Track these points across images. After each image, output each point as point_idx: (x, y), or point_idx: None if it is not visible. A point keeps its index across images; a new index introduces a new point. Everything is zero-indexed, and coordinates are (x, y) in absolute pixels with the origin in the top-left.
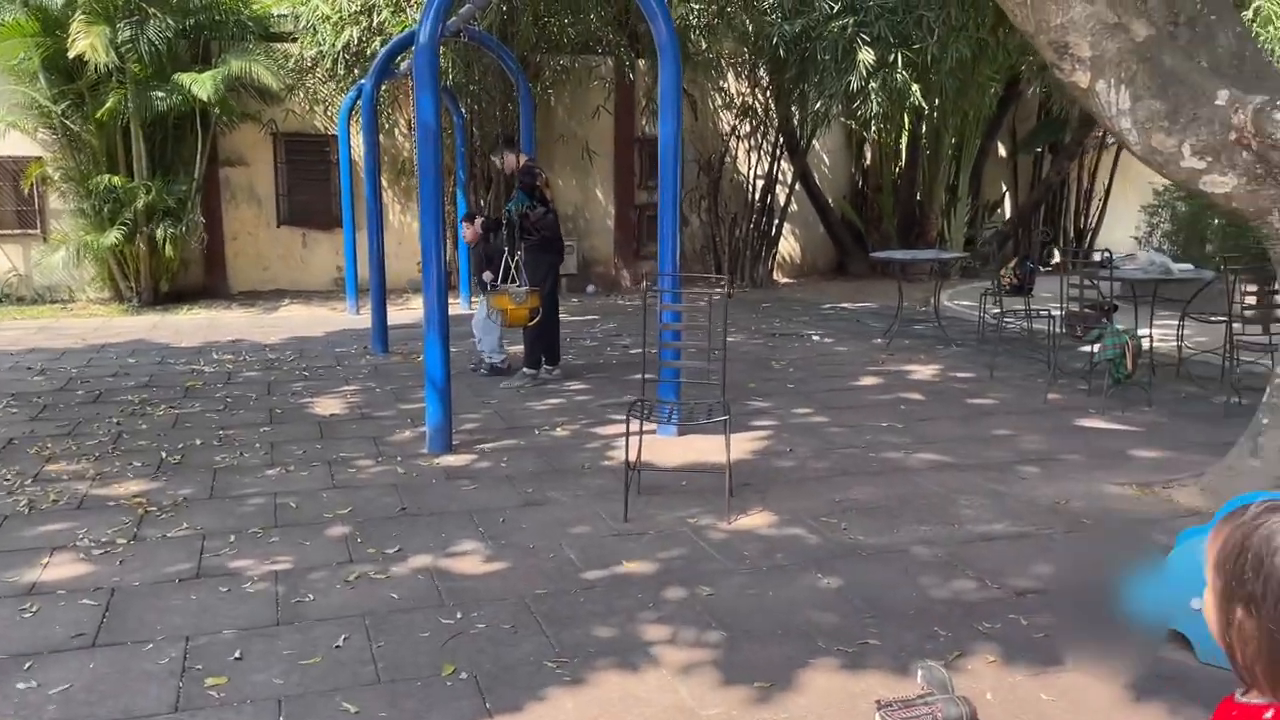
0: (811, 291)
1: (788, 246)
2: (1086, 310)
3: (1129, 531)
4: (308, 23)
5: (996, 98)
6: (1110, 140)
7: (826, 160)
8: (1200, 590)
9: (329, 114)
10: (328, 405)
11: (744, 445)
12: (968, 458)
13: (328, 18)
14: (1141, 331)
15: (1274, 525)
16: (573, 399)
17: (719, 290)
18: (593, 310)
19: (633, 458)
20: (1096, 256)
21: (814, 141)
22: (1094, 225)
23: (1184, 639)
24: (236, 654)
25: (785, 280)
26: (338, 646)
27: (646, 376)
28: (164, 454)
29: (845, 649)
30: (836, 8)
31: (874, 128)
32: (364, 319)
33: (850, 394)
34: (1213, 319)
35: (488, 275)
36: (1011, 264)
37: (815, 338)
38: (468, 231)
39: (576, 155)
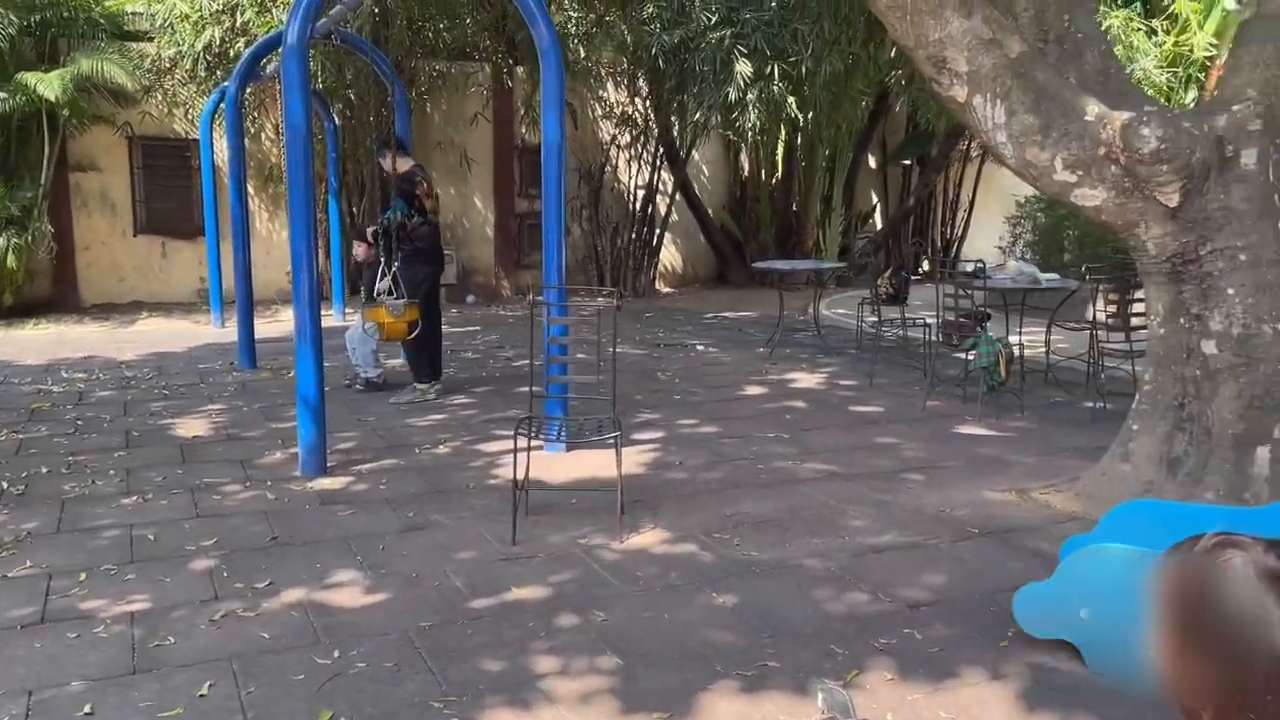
0: (693, 301)
1: (669, 256)
2: (962, 319)
3: (1012, 538)
4: (165, 21)
5: (867, 111)
6: (974, 153)
7: (706, 170)
8: (1088, 600)
9: (190, 117)
10: (190, 426)
11: (633, 459)
12: (854, 467)
13: (186, 16)
14: (1012, 339)
15: (1231, 562)
16: (455, 415)
17: (605, 300)
18: (473, 321)
19: (520, 476)
20: (969, 266)
21: (693, 152)
22: (960, 235)
23: (1074, 649)
24: (87, 708)
25: (667, 290)
26: (202, 695)
27: (533, 390)
28: (4, 484)
29: (744, 672)
30: (714, 20)
31: (750, 139)
32: (230, 332)
33: (737, 404)
34: (1077, 326)
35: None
36: (887, 274)
37: (700, 348)
38: (361, 250)
39: (454, 163)
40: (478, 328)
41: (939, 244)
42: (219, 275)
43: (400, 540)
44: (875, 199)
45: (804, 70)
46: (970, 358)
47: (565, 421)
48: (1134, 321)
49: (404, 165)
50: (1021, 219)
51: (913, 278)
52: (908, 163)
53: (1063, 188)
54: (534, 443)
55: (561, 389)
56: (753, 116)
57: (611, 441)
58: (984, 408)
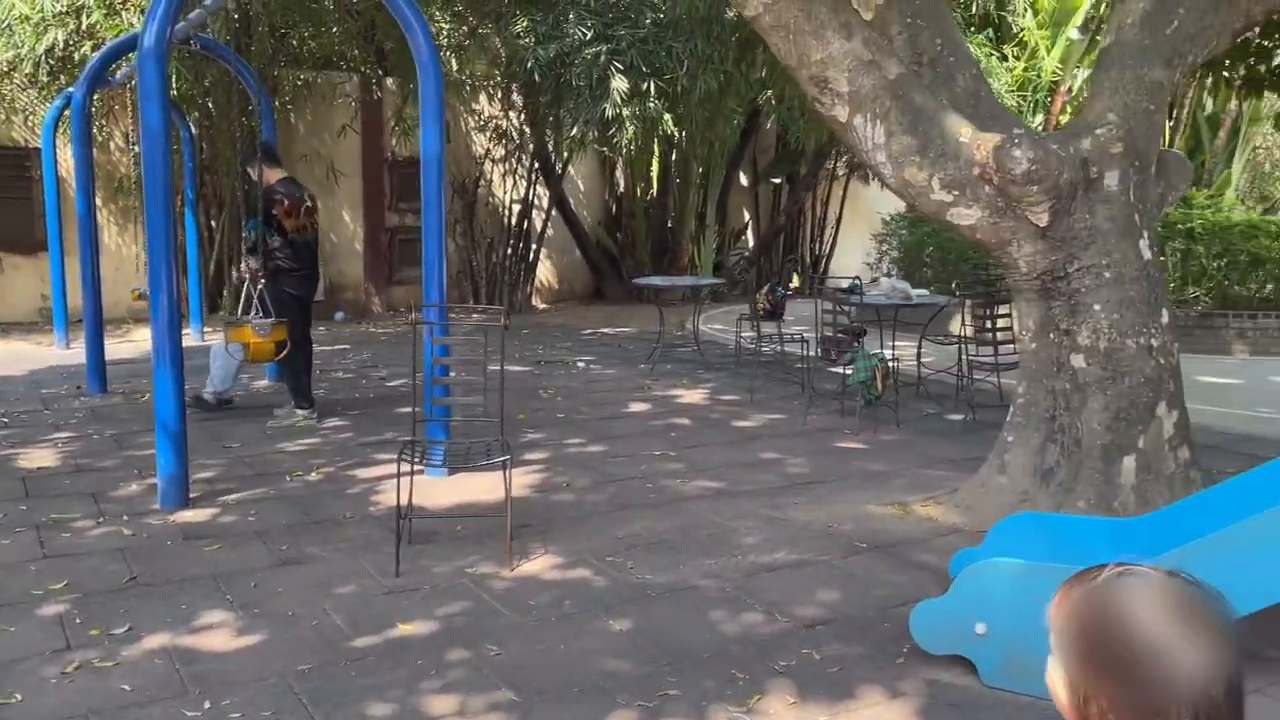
0: (571, 317)
1: (545, 272)
2: (840, 335)
3: (898, 552)
4: (3, 23)
5: (739, 129)
6: (841, 172)
7: (582, 186)
8: (984, 614)
9: (30, 124)
10: (35, 457)
11: (519, 480)
12: (741, 483)
13: (26, 18)
14: (886, 353)
15: (1131, 588)
16: (329, 438)
17: (488, 318)
18: (343, 339)
19: (403, 504)
20: (844, 283)
21: (569, 168)
22: (827, 252)
23: (969, 663)
24: None
25: (543, 306)
26: None
27: (415, 411)
28: None
29: (645, 703)
30: (589, 35)
31: (626, 155)
32: (77, 354)
33: (621, 422)
34: (947, 340)
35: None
36: (764, 290)
37: (581, 365)
38: (246, 266)
39: (321, 176)
40: (348, 346)
41: (808, 260)
42: (63, 293)
43: (274, 576)
44: (747, 216)
45: (679, 88)
46: (848, 373)
47: (450, 445)
48: (1000, 336)
49: (274, 176)
50: (887, 236)
51: (787, 293)
52: (778, 181)
53: (939, 207)
54: (415, 467)
55: (445, 411)
56: (629, 133)
57: (499, 465)
58: (861, 421)
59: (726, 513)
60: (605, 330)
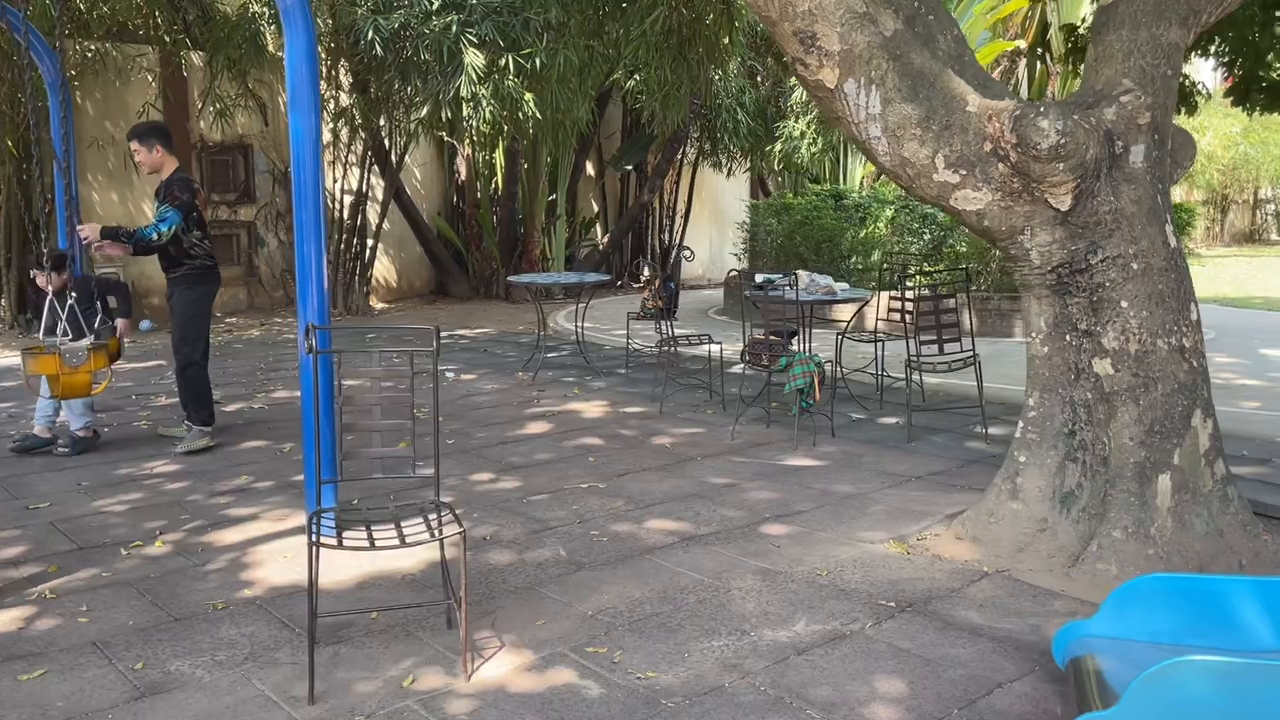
0: (417, 318)
1: (383, 269)
2: (772, 337)
3: (935, 610)
4: None
5: (592, 111)
6: (688, 159)
7: (419, 175)
8: None
9: None
10: None
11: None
12: (703, 522)
13: None
14: (820, 356)
15: None
16: (160, 488)
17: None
18: (156, 352)
19: (312, 576)
20: (758, 278)
21: (406, 156)
22: (678, 242)
23: None
24: None
25: (383, 305)
26: None
27: (327, 451)
28: None
29: None
30: (436, 4)
31: (470, 141)
32: None
33: (524, 446)
34: (885, 336)
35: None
36: (655, 286)
37: (450, 375)
38: (45, 279)
39: (117, 165)
40: (163, 362)
41: (657, 252)
42: None
43: (129, 718)
44: (595, 206)
45: (538, 63)
46: (791, 380)
47: (369, 512)
48: (945, 335)
49: (172, 165)
50: (755, 226)
51: (636, 284)
52: (630, 169)
53: (942, 189)
54: (285, 524)
55: (330, 454)
56: (486, 113)
57: (452, 536)
58: (800, 433)
59: (706, 566)
60: (461, 332)
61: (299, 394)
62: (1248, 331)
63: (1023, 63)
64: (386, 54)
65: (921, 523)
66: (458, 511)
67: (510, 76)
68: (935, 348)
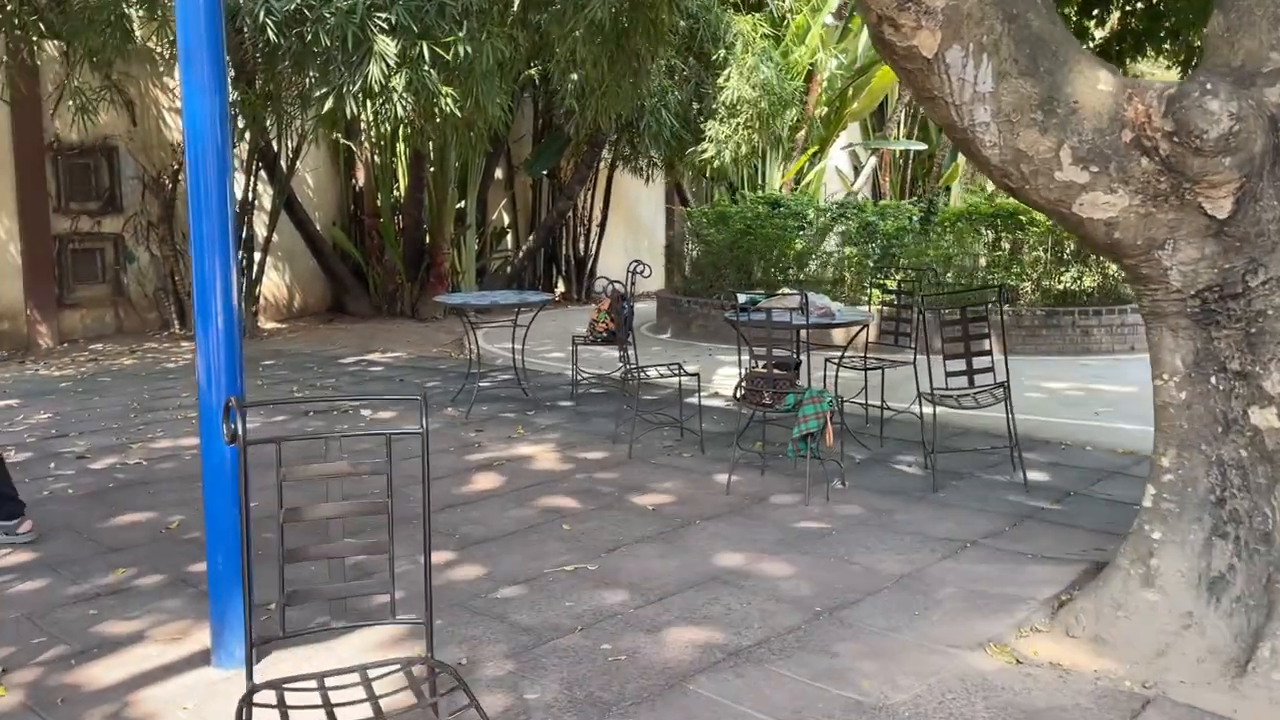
0: (315, 340)
1: (272, 285)
2: (779, 370)
3: None
4: None
5: (509, 109)
6: (604, 165)
7: (311, 181)
8: None
9: None
10: None
11: (385, 649)
12: (741, 625)
13: None
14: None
15: None
16: (9, 590)
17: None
18: (2, 389)
19: None
20: (741, 297)
21: (298, 160)
22: (594, 254)
23: None
24: None
25: (273, 326)
26: None
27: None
28: None
29: None
30: None
31: (366, 144)
32: None
33: (478, 510)
34: (897, 361)
35: None
36: (604, 307)
37: (366, 412)
38: None
39: None
40: (13, 401)
41: (572, 263)
42: None
43: None
44: (505, 215)
45: (462, 53)
46: (802, 423)
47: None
48: (976, 363)
49: None
50: (689, 238)
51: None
52: (545, 174)
53: (1065, 192)
54: (183, 647)
55: (234, 565)
56: (399, 108)
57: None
58: (812, 486)
59: (776, 702)
60: (370, 357)
61: (186, 444)
62: None
63: None
64: (280, 40)
65: (1014, 613)
66: (410, 617)
67: (426, 67)
68: (963, 378)
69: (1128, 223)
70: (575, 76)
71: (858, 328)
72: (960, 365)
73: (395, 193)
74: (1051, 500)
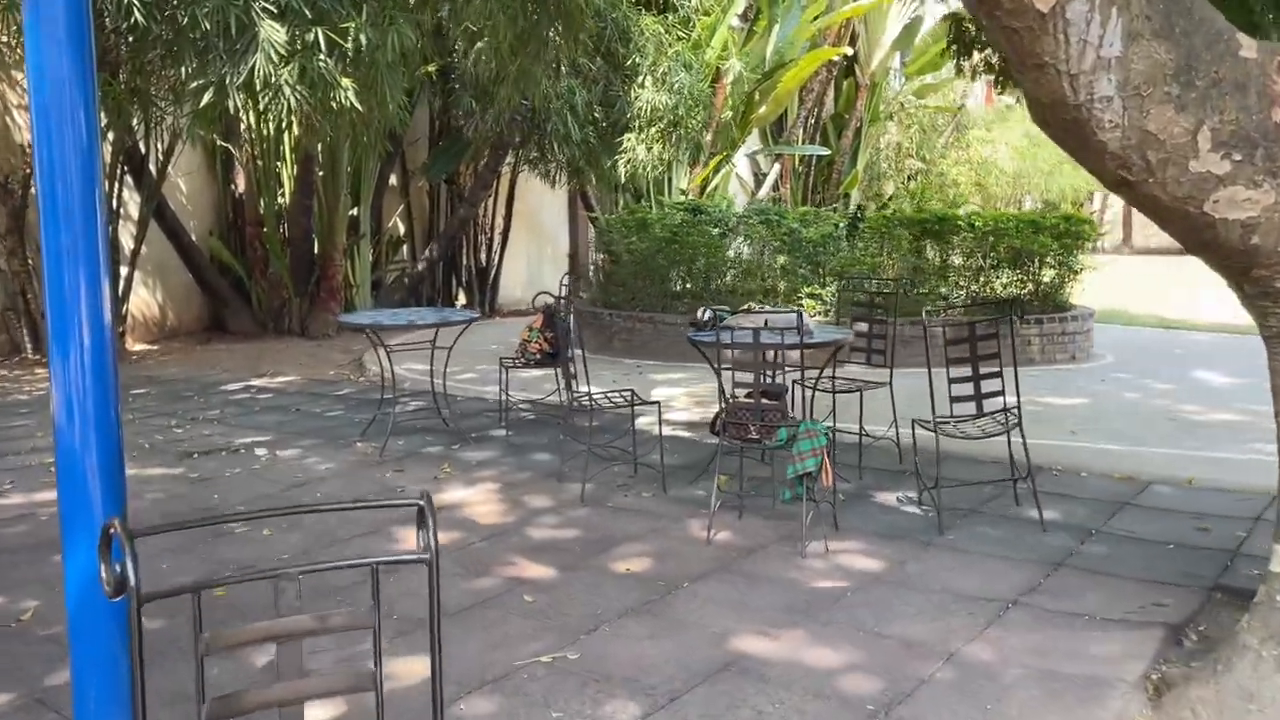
0: (192, 363)
1: (141, 302)
2: (766, 399)
3: None
4: None
5: (409, 107)
6: (505, 170)
7: (184, 187)
8: None
9: None
10: None
11: None
12: None
13: None
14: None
15: None
16: None
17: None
18: None
19: None
20: (705, 314)
21: (170, 163)
22: (496, 265)
23: None
24: None
25: (144, 348)
26: None
27: None
28: None
29: None
30: None
31: (249, 146)
32: None
33: (419, 577)
34: (839, 385)
35: None
36: (538, 325)
37: (262, 452)
38: None
39: None
40: None
41: (473, 274)
42: None
43: None
44: (402, 225)
45: (363, 41)
46: (798, 461)
47: None
48: (985, 386)
49: None
50: (610, 244)
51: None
52: (444, 179)
53: (1199, 186)
54: None
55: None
56: (291, 102)
57: None
58: (806, 532)
59: None
60: (257, 383)
61: (42, 500)
62: (1152, 352)
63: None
64: (150, 25)
65: (1105, 701)
66: None
67: (321, 56)
68: (970, 404)
69: (1270, 225)
70: (483, 53)
71: (838, 346)
72: (967, 389)
73: (280, 199)
74: (1076, 541)
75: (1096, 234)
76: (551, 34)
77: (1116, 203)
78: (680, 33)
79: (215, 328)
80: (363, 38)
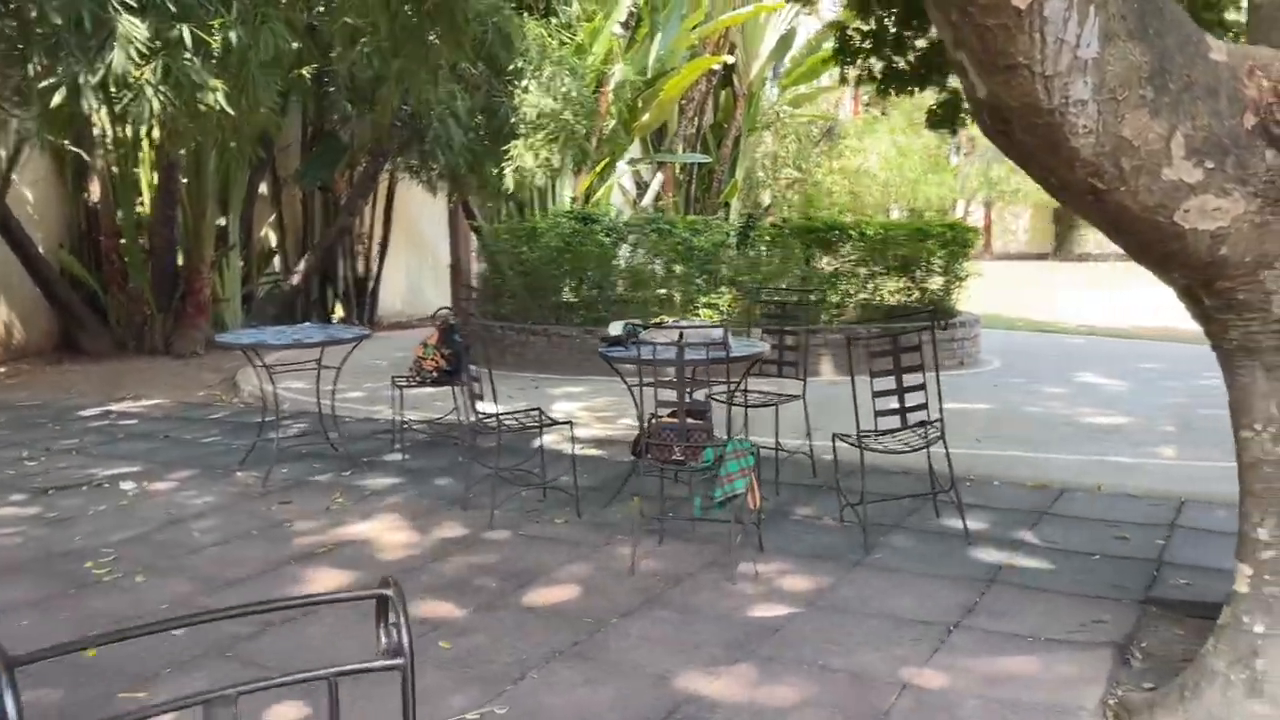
0: (44, 387)
1: None
2: (691, 419)
3: None
4: None
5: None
6: (385, 177)
7: (31, 196)
8: None
9: None
10: None
11: None
12: None
13: None
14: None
15: None
16: None
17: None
18: None
19: None
20: (615, 328)
21: (12, 171)
22: (376, 275)
23: None
24: None
25: None
26: None
27: None
28: None
29: None
30: None
31: (103, 152)
32: None
33: (320, 627)
34: (752, 400)
35: None
36: (433, 342)
37: (129, 486)
38: None
39: None
40: None
41: (351, 286)
42: None
43: None
44: (273, 235)
45: (234, 39)
46: (726, 484)
47: None
48: (909, 400)
49: None
50: (498, 255)
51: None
52: (320, 187)
53: (1170, 195)
54: None
55: None
56: (154, 103)
57: None
58: (734, 555)
59: None
60: (119, 408)
61: None
62: (1033, 356)
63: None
64: None
65: None
66: None
67: (187, 55)
68: (895, 416)
69: (1238, 235)
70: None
71: (754, 360)
72: (891, 403)
73: (140, 208)
74: (1003, 554)
75: (979, 241)
76: (432, 37)
77: (976, 210)
78: (564, 37)
79: (67, 347)
80: (233, 36)
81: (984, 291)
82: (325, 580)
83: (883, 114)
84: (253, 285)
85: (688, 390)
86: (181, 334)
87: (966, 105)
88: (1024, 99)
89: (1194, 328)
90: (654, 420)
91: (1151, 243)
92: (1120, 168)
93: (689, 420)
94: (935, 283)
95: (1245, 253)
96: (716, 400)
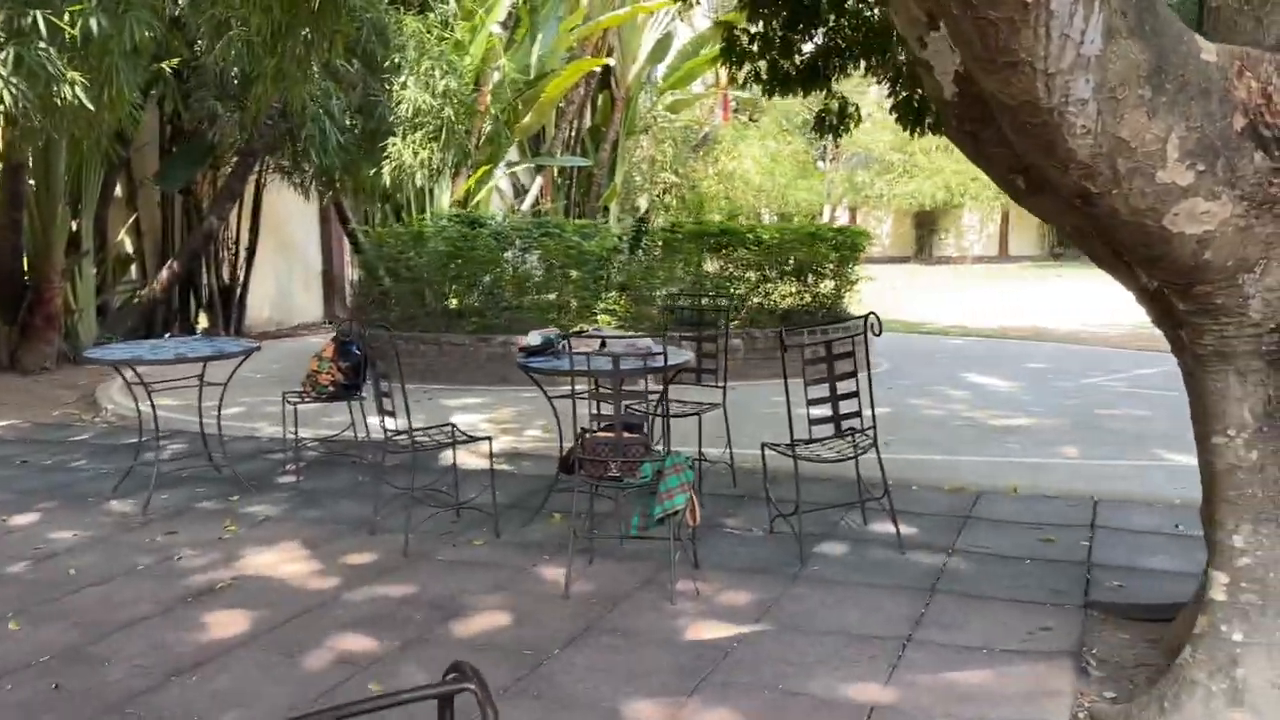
0: None
1: None
2: (627, 432)
3: None
4: None
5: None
6: (253, 175)
7: None
8: None
9: None
10: None
11: None
12: None
13: None
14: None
15: None
16: None
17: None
18: None
19: None
20: (534, 338)
21: None
22: (243, 282)
23: None
24: None
25: None
26: None
27: None
28: None
29: None
30: None
31: None
32: None
33: (229, 676)
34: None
35: None
36: (329, 354)
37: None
38: None
39: None
40: None
41: (216, 293)
42: None
43: None
44: (130, 241)
45: (94, 27)
46: (667, 500)
47: None
48: (844, 407)
49: None
50: (381, 260)
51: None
52: (181, 190)
53: (1161, 198)
54: None
55: None
56: (5, 95)
57: None
58: (673, 573)
59: None
60: None
61: None
62: (920, 357)
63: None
64: None
65: None
66: None
67: (41, 43)
68: (827, 424)
69: (1223, 239)
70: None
71: (678, 368)
72: (826, 412)
73: None
74: (937, 561)
75: (869, 245)
76: (305, 32)
77: (842, 215)
78: (441, 34)
79: None
80: (93, 24)
81: (861, 294)
82: (229, 621)
83: (752, 119)
84: (108, 295)
85: (624, 403)
86: (29, 348)
87: (851, 110)
88: (1023, 97)
89: (1064, 328)
90: (585, 434)
91: (1135, 246)
92: (1115, 170)
93: (625, 434)
94: (827, 286)
95: (1227, 257)
96: (652, 413)
